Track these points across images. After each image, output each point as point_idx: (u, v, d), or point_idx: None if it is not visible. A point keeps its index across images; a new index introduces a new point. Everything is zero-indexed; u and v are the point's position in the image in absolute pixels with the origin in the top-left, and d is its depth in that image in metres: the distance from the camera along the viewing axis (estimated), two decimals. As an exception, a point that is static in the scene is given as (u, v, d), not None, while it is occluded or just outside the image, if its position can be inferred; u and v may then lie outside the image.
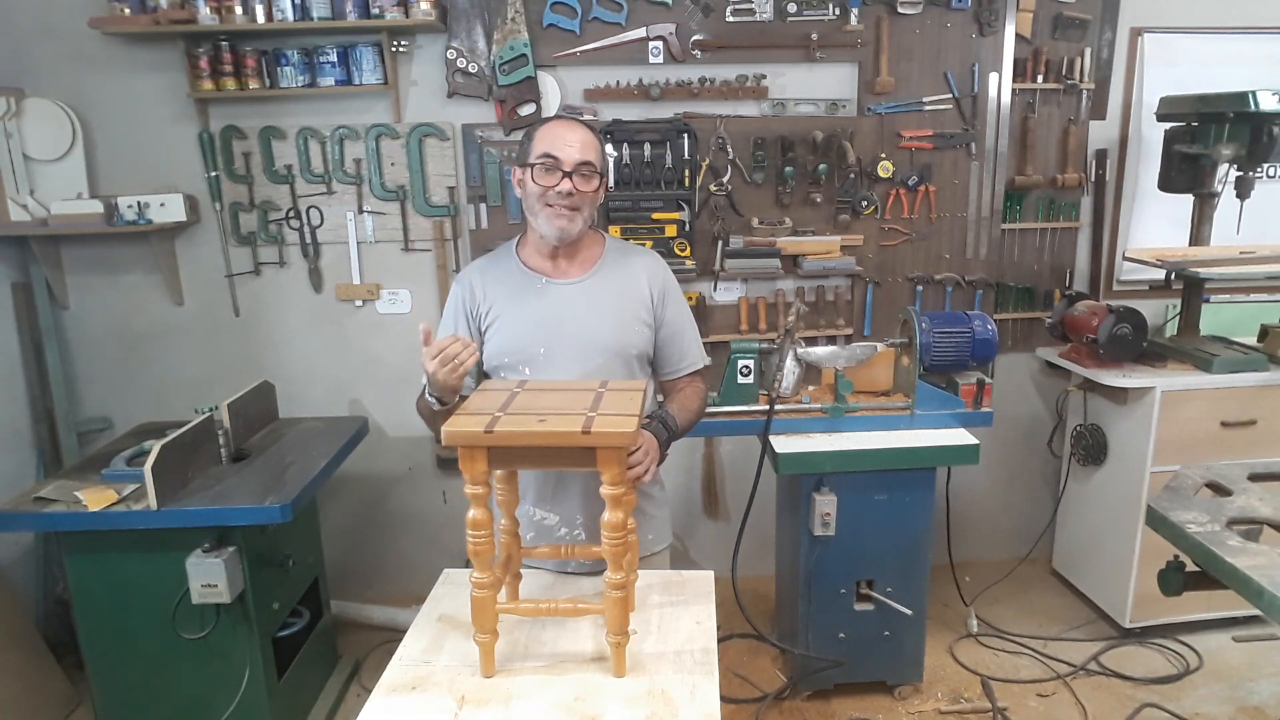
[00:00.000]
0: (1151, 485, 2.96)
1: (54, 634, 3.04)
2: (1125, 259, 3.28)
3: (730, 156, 3.17)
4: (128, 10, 2.85)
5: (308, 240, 3.20)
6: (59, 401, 3.17)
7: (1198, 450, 2.90)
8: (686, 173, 3.13)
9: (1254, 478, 2.01)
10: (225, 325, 3.27)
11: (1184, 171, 3.08)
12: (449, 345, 1.60)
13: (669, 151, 3.10)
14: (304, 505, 2.46)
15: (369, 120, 3.12)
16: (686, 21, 3.09)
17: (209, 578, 2.28)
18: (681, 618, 1.67)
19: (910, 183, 3.25)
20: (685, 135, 3.10)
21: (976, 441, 2.65)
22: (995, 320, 2.89)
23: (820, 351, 2.74)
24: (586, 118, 3.04)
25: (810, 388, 2.85)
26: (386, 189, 3.18)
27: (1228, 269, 3.04)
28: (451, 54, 3.05)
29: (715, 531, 3.60)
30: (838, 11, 3.10)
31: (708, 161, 3.16)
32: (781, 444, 2.63)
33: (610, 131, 3.06)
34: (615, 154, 3.09)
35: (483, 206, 3.20)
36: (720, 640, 1.67)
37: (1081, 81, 3.27)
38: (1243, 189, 2.99)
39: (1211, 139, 2.96)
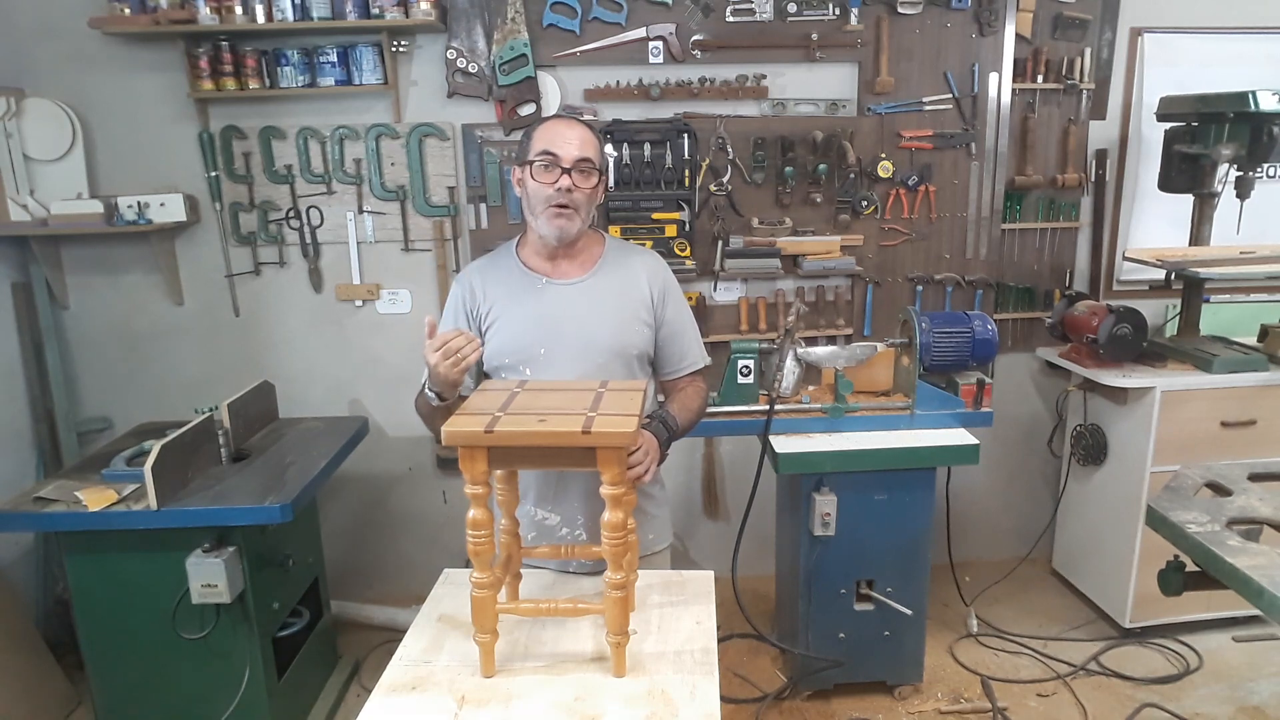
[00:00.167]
0: (1151, 485, 2.96)
1: (54, 634, 3.04)
2: (1125, 259, 3.28)
3: (730, 156, 3.17)
4: (128, 10, 2.85)
5: (308, 240, 3.20)
6: (59, 401, 3.17)
7: (1198, 450, 2.90)
8: (686, 173, 3.13)
9: (1254, 478, 2.01)
10: (225, 325, 3.27)
11: (1184, 171, 3.08)
12: (452, 338, 1.60)
13: (669, 151, 3.10)
14: (304, 505, 2.46)
15: (369, 120, 3.12)
16: (686, 21, 3.09)
17: (209, 578, 2.28)
18: (681, 618, 1.67)
19: (910, 183, 3.25)
20: (685, 135, 3.10)
21: (976, 441, 2.65)
22: (995, 320, 2.89)
23: (820, 351, 2.74)
24: (586, 118, 3.04)
25: (810, 388, 2.85)
26: (386, 189, 3.18)
27: (1228, 269, 3.04)
28: (451, 54, 3.05)
29: (715, 531, 3.60)
30: (838, 11, 3.10)
31: (708, 161, 3.16)
32: (781, 444, 2.63)
33: (610, 131, 3.06)
34: (615, 154, 3.09)
35: (483, 206, 3.20)
36: (720, 640, 1.67)
37: (1081, 81, 3.27)
38: (1243, 189, 2.99)
39: (1211, 139, 2.96)
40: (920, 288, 3.38)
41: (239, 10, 2.86)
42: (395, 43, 3.03)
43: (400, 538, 3.53)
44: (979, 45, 3.17)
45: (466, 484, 1.39)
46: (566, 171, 1.73)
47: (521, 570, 1.70)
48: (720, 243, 3.22)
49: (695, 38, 3.09)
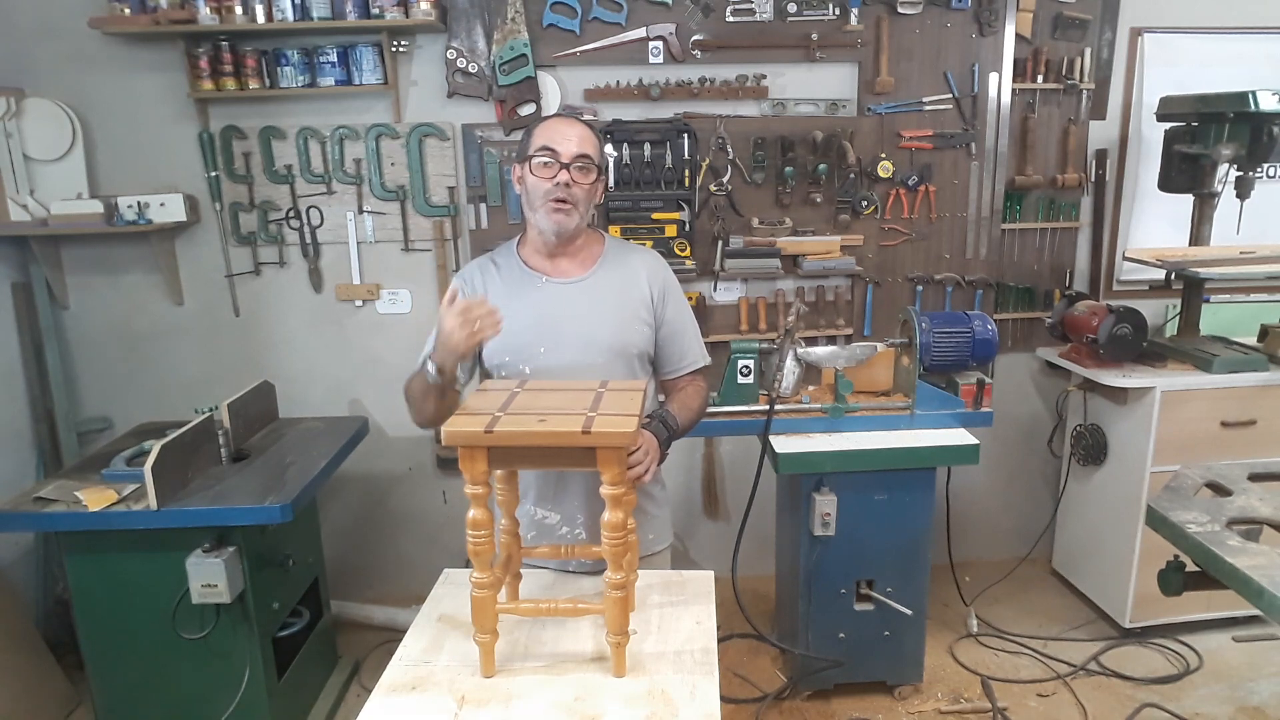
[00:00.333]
0: (1151, 485, 2.96)
1: (54, 634, 3.04)
2: (1125, 259, 3.28)
3: (730, 156, 3.17)
4: (128, 10, 2.85)
5: (308, 240, 3.20)
6: (59, 401, 3.17)
7: (1198, 450, 2.90)
8: (686, 173, 3.13)
9: (1254, 478, 2.01)
10: (225, 325, 3.27)
11: (1184, 171, 3.08)
12: (475, 305, 1.59)
13: (669, 151, 3.10)
14: (304, 505, 2.46)
15: (369, 120, 3.12)
16: (686, 21, 3.09)
17: (209, 578, 2.28)
18: (681, 618, 1.67)
19: (910, 183, 3.25)
20: (685, 135, 3.10)
21: (976, 441, 2.65)
22: (995, 320, 2.89)
23: (820, 351, 2.74)
24: (586, 117, 3.04)
25: (810, 388, 2.85)
26: (386, 189, 3.18)
27: (1228, 269, 3.04)
28: (451, 54, 3.05)
29: (715, 531, 3.60)
30: (838, 11, 3.10)
31: (708, 161, 3.16)
32: (781, 444, 2.63)
33: (610, 131, 3.06)
34: (615, 154, 3.09)
35: (483, 206, 3.20)
36: (720, 640, 1.67)
37: (1081, 81, 3.27)
38: (1243, 189, 2.99)
39: (1211, 139, 2.96)
40: (920, 288, 3.38)
41: (239, 10, 2.86)
42: (395, 43, 3.03)
43: (400, 538, 3.53)
44: (979, 45, 3.17)
45: (466, 484, 1.39)
46: (565, 167, 1.73)
47: (521, 570, 1.70)
48: (720, 243, 3.22)
49: (695, 38, 3.09)
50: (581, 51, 3.09)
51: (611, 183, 3.09)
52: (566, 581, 1.83)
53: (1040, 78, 3.25)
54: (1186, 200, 3.17)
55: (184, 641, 2.39)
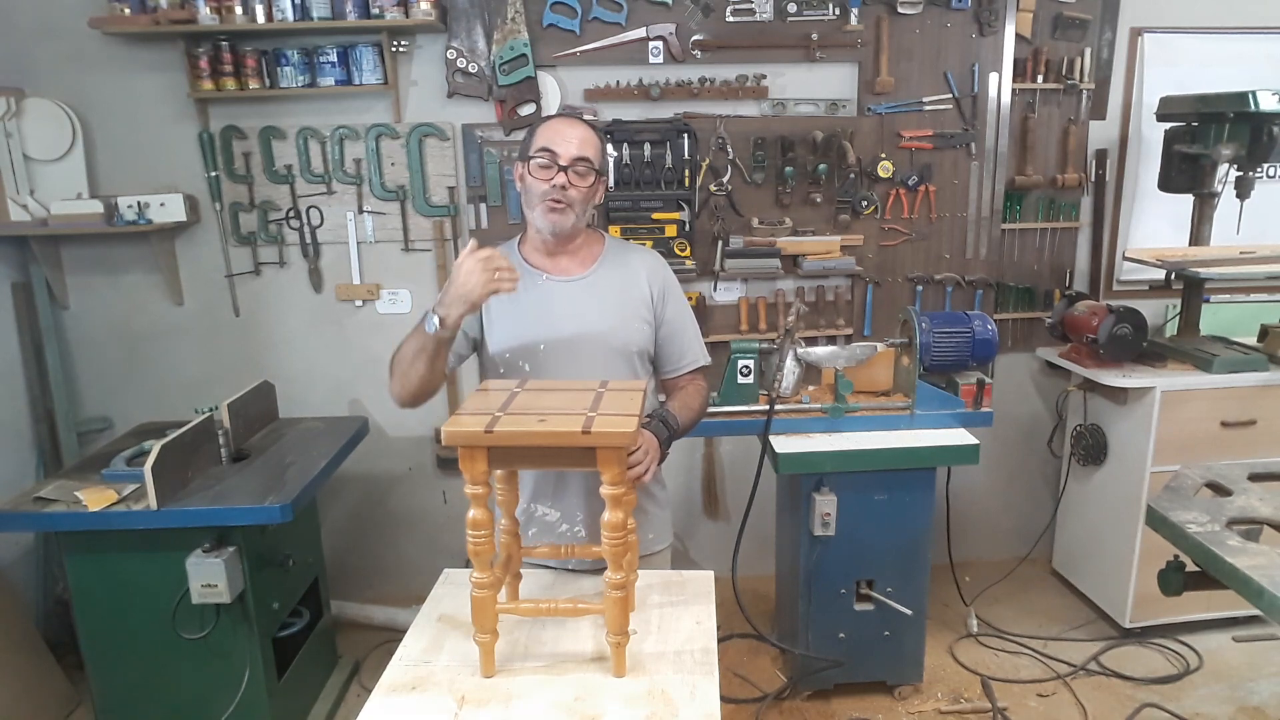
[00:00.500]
0: (1151, 485, 2.96)
1: (54, 634, 3.04)
2: (1125, 259, 3.28)
3: (730, 156, 3.17)
4: (128, 10, 2.85)
5: (308, 240, 3.20)
6: (59, 401, 3.17)
7: (1198, 450, 2.90)
8: (686, 173, 3.13)
9: (1254, 478, 2.01)
10: (225, 325, 3.27)
11: (1184, 171, 3.08)
12: (497, 257, 1.59)
13: (669, 151, 3.10)
14: (304, 505, 2.46)
15: (369, 120, 3.12)
16: (686, 21, 3.09)
17: (209, 578, 2.28)
18: (681, 618, 1.66)
19: (910, 183, 3.25)
20: (685, 135, 3.10)
21: (976, 441, 2.65)
22: (995, 320, 2.89)
23: (820, 351, 2.74)
24: (587, 117, 3.04)
25: (810, 388, 2.85)
26: (386, 189, 3.18)
27: (1228, 269, 3.04)
28: (451, 54, 3.05)
29: (715, 531, 3.60)
30: (838, 11, 3.10)
31: (708, 161, 3.16)
32: (781, 444, 2.63)
33: (610, 131, 3.06)
34: (615, 154, 3.08)
35: (483, 206, 3.20)
36: (720, 640, 1.67)
37: (1081, 81, 3.27)
38: (1243, 189, 2.99)
39: (1211, 139, 2.96)
40: (920, 288, 3.38)
41: (239, 10, 2.86)
42: (395, 43, 3.03)
43: (400, 538, 3.53)
44: (979, 45, 3.17)
45: (466, 484, 1.39)
46: (563, 170, 1.74)
47: (521, 570, 1.70)
48: (720, 243, 3.22)
49: (695, 38, 3.09)
50: (581, 51, 3.09)
51: (611, 183, 3.09)
52: (566, 581, 1.83)
53: (1040, 78, 3.25)
54: (1186, 200, 3.17)
55: (184, 641, 2.39)
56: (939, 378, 2.82)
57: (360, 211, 3.20)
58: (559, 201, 1.75)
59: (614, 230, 3.12)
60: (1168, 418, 2.94)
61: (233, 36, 2.94)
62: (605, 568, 1.44)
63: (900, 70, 3.17)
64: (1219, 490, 1.98)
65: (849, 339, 3.39)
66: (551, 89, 3.11)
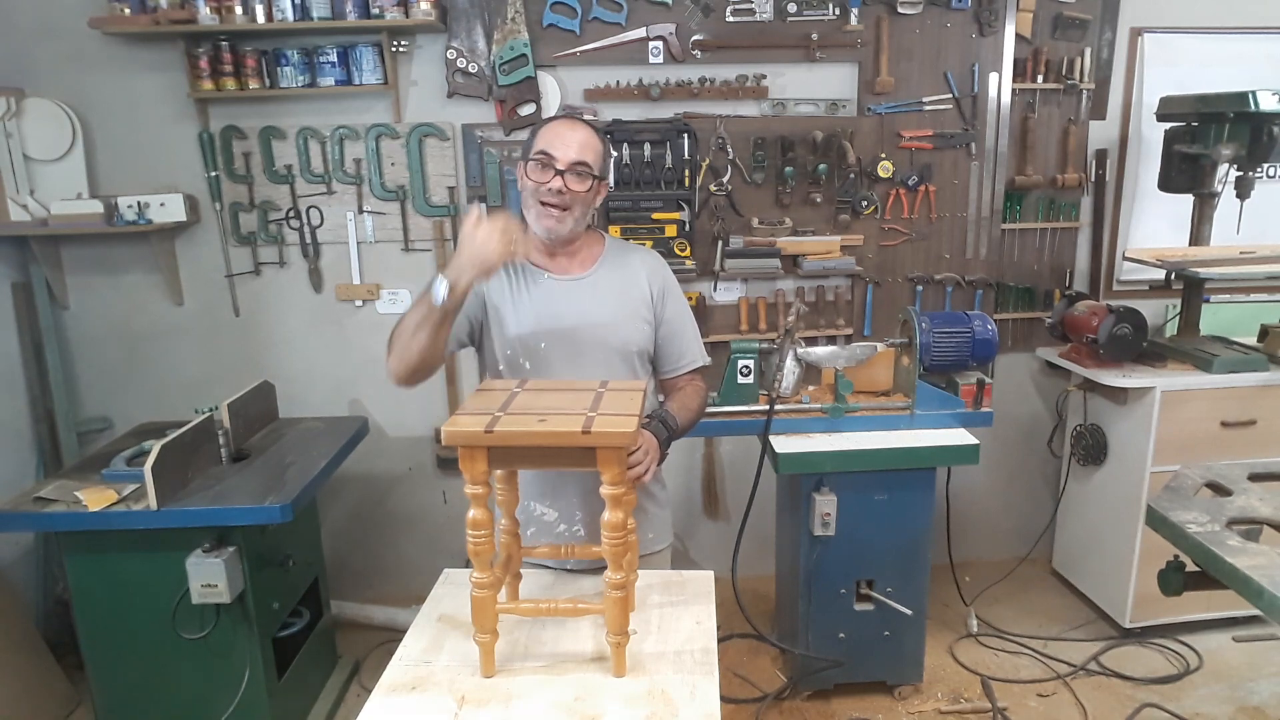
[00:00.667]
0: (1151, 485, 2.96)
1: (54, 634, 3.04)
2: (1125, 259, 3.28)
3: (730, 156, 3.17)
4: (128, 10, 2.85)
5: (308, 240, 3.20)
6: (59, 401, 3.17)
7: (1198, 450, 2.90)
8: (686, 173, 3.13)
9: (1254, 478, 2.01)
10: (225, 325, 3.27)
11: (1184, 171, 3.08)
12: (513, 226, 1.57)
13: (669, 151, 3.10)
14: (304, 505, 2.46)
15: (369, 120, 3.12)
16: (686, 21, 3.09)
17: (209, 578, 2.28)
18: (681, 618, 1.67)
19: (910, 183, 3.25)
20: (685, 135, 3.10)
21: (976, 441, 2.65)
22: (995, 320, 2.89)
23: (820, 351, 2.74)
24: (587, 117, 3.04)
25: (810, 388, 2.85)
26: (386, 189, 3.18)
27: (1228, 269, 3.04)
28: (451, 54, 3.05)
29: (715, 531, 3.60)
30: (838, 11, 3.10)
31: (708, 161, 3.16)
32: (781, 444, 2.63)
33: (610, 131, 3.06)
34: (615, 154, 3.08)
35: (483, 207, 3.19)
36: (720, 640, 1.67)
37: (1081, 81, 3.27)
38: (1243, 189, 2.99)
39: (1211, 139, 2.96)
40: (920, 288, 3.38)
41: (239, 10, 2.86)
42: (395, 43, 3.03)
43: (400, 538, 3.53)
44: (979, 45, 3.17)
45: (466, 484, 1.39)
46: (560, 173, 1.73)
47: (521, 570, 1.70)
48: (720, 243, 3.22)
49: (695, 38, 3.09)
50: (581, 51, 3.09)
51: (612, 183, 3.08)
52: (566, 581, 1.83)
53: (1040, 78, 3.25)
54: (1186, 200, 3.17)
55: (184, 641, 2.39)
56: (939, 378, 2.82)
57: (360, 211, 3.20)
58: (554, 205, 1.75)
59: (614, 230, 3.13)
60: (1168, 418, 2.94)
61: (233, 36, 2.94)
62: (605, 568, 1.44)
63: (900, 70, 3.17)
64: (1219, 490, 1.98)
65: (849, 339, 3.39)
66: (551, 89, 3.11)
